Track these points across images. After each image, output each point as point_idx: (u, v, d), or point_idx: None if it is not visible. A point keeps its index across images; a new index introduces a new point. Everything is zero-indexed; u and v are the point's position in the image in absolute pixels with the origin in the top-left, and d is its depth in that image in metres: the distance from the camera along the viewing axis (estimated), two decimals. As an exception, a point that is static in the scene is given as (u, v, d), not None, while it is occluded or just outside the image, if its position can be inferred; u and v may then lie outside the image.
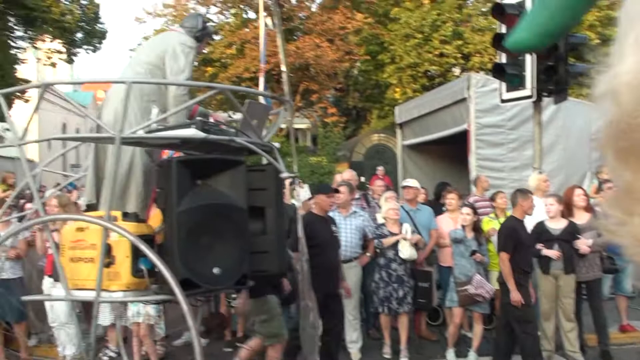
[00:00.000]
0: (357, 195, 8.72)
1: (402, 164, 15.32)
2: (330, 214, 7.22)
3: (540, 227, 7.33)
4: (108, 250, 3.93)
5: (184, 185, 3.93)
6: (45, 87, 4.25)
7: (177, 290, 3.62)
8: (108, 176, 4.39)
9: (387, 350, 7.63)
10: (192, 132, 3.98)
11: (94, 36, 27.69)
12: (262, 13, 15.07)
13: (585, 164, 11.05)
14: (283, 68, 5.96)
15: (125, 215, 4.19)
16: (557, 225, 7.25)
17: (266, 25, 14.54)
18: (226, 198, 4.05)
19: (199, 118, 4.43)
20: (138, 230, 4.01)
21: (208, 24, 5.29)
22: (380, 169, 18.40)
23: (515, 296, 6.56)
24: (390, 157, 20.86)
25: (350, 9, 27.25)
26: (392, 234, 7.50)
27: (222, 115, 5.07)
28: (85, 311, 8.17)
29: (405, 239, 7.42)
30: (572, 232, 7.21)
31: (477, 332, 7.34)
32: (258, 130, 4.45)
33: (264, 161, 4.70)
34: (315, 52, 25.45)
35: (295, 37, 27.46)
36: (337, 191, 7.35)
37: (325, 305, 6.11)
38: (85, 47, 27.83)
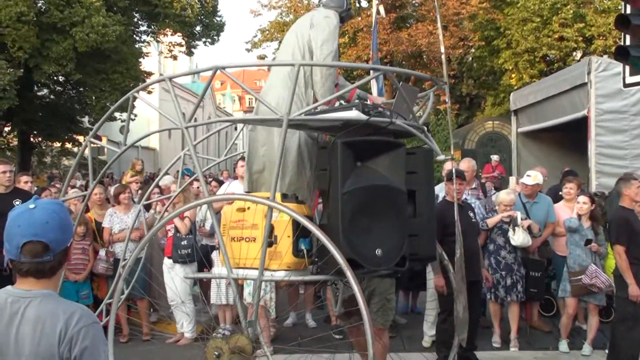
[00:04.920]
0: (473, 185, 8.56)
1: (516, 152, 14.89)
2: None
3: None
4: (270, 230, 4.03)
5: (348, 166, 3.97)
6: (217, 70, 4.26)
7: (347, 270, 3.64)
8: (274, 158, 4.43)
9: (496, 340, 7.48)
10: (354, 114, 4.02)
11: (212, 29, 28.73)
12: (375, 1, 15.02)
13: None
14: (442, 49, 5.89)
15: (285, 197, 4.27)
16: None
17: (378, 13, 14.47)
18: (387, 180, 4.07)
19: (357, 100, 4.49)
20: (299, 211, 4.10)
21: (350, 6, 5.27)
22: (494, 158, 17.98)
23: (635, 290, 6.24)
24: (504, 145, 20.33)
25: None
26: (504, 224, 7.35)
27: (380, 98, 5.08)
28: (202, 291, 8.57)
29: (509, 220, 7.25)
30: None
31: (592, 324, 7.06)
32: (412, 113, 4.47)
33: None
34: (428, 39, 25.11)
35: (408, 25, 27.22)
36: (463, 177, 7.13)
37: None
38: (204, 39, 28.91)
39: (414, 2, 27.74)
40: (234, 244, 4.28)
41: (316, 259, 4.12)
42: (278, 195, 4.15)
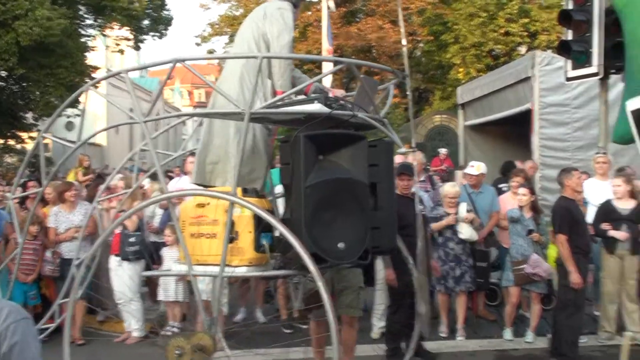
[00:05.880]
0: (422, 178, 8.68)
1: (463, 145, 15.15)
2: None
3: (607, 206, 7.21)
4: (231, 226, 4.00)
5: (311, 160, 3.96)
6: (177, 63, 4.22)
7: (311, 265, 3.65)
8: (234, 153, 4.45)
9: (443, 329, 7.62)
10: (317, 107, 4.01)
11: (160, 23, 28.29)
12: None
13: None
14: (403, 42, 5.90)
15: (245, 191, 4.26)
16: (625, 205, 7.12)
17: (328, 8, 14.51)
18: (349, 173, 4.07)
19: (315, 94, 4.47)
20: (261, 205, 4.08)
21: None
22: (442, 151, 18.22)
23: (576, 278, 6.45)
24: (451, 138, 20.61)
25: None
26: (448, 215, 7.48)
27: (340, 91, 5.07)
28: (150, 289, 8.48)
29: (456, 221, 7.40)
30: (641, 213, 7.05)
31: (534, 312, 7.26)
32: (374, 105, 4.48)
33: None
34: (378, 34, 25.28)
35: (357, 19, 27.34)
36: (411, 171, 7.17)
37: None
38: (151, 34, 28.46)
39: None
40: (193, 240, 4.25)
41: (279, 254, 4.12)
42: (239, 190, 4.14)
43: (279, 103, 4.20)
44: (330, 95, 4.48)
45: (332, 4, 15.46)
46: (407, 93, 6.17)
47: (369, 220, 4.16)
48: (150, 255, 7.63)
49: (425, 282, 5.29)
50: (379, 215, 4.31)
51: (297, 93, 4.47)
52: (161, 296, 7.87)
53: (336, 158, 4.11)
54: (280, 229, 3.80)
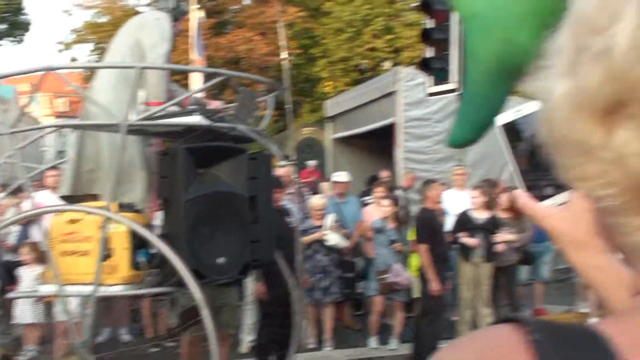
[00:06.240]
0: (291, 190, 8.75)
1: (332, 157, 15.46)
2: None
3: (464, 216, 7.59)
4: (106, 243, 3.83)
5: (190, 173, 3.87)
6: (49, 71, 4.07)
7: (191, 281, 3.55)
8: (110, 166, 4.25)
9: (311, 340, 7.72)
10: (197, 120, 3.92)
11: (18, 28, 26.83)
12: (194, 5, 14.83)
13: (504, 156, 11.37)
14: (284, 55, 5.89)
15: (121, 206, 4.08)
16: (481, 215, 7.53)
17: (199, 18, 14.35)
18: (229, 186, 4.02)
19: (192, 106, 4.35)
20: (137, 220, 3.93)
21: (182, 3, 5.12)
22: (311, 164, 18.47)
23: (436, 286, 6.76)
24: (320, 150, 20.98)
25: (282, 2, 27.20)
26: (317, 227, 7.61)
27: (218, 103, 4.96)
28: (5, 311, 7.95)
29: (324, 234, 7.56)
30: (495, 223, 7.48)
31: (398, 319, 7.53)
32: (254, 118, 4.44)
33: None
34: (247, 46, 25.30)
35: (226, 31, 27.23)
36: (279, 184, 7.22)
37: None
38: (8, 38, 26.94)
39: (233, 8, 27.82)
40: (63, 258, 4.03)
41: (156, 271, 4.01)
42: (114, 205, 3.99)
43: (157, 115, 4.11)
44: (209, 107, 4.46)
45: (202, 15, 15.33)
46: (287, 106, 6.24)
47: (249, 234, 4.16)
48: (3, 275, 7.16)
49: (302, 292, 5.36)
50: (259, 228, 4.32)
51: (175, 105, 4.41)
52: (17, 319, 7.41)
53: (216, 171, 4.09)
54: (158, 245, 3.69)
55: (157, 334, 7.94)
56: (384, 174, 10.29)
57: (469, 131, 1.21)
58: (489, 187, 7.93)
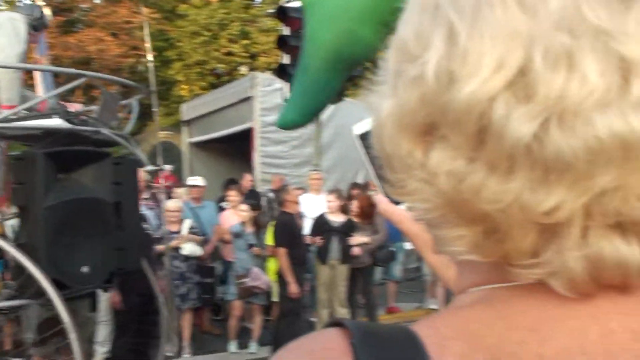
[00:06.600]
0: (146, 196, 8.52)
1: (188, 162, 15.24)
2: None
3: (321, 219, 7.76)
4: None
5: (50, 179, 3.63)
6: None
7: (51, 291, 3.34)
8: None
9: (169, 348, 7.56)
10: (57, 123, 3.67)
11: None
12: (39, 2, 14.05)
13: (359, 161, 11.78)
14: (149, 57, 5.66)
15: None
16: (337, 218, 7.72)
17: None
18: (92, 192, 3.81)
19: (51, 109, 4.09)
20: None
21: (46, 15, 4.85)
22: (167, 168, 18.10)
23: (294, 288, 6.87)
24: (176, 155, 20.61)
25: (136, 3, 26.44)
26: (173, 233, 7.48)
27: (77, 105, 4.67)
28: None
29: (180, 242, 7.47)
30: (351, 226, 7.72)
31: (257, 323, 7.57)
32: (117, 121, 4.23)
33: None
34: (98, 46, 24.36)
35: (75, 29, 26.05)
36: None
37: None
38: None
39: (83, 6, 26.67)
40: None
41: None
42: None
43: (10, 118, 3.87)
44: (70, 109, 4.27)
45: (49, 12, 14.58)
46: (154, 110, 6.11)
47: (114, 241, 4.03)
48: None
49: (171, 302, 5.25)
50: (124, 235, 4.18)
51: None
52: None
53: (78, 176, 3.92)
54: (15, 254, 3.48)
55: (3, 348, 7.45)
56: (247, 178, 10.30)
57: (299, 115, 1.26)
58: (345, 192, 8.21)
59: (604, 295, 0.50)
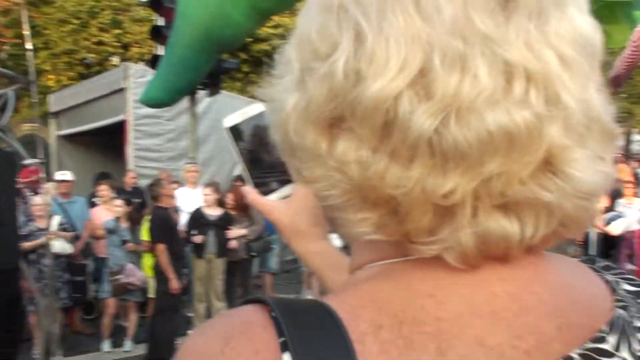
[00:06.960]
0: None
1: (56, 155, 14.55)
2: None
3: (197, 213, 7.70)
4: None
5: None
6: None
7: None
8: None
9: (37, 350, 7.24)
10: None
11: None
12: None
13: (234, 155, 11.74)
14: (28, 46, 5.28)
15: None
16: (213, 212, 7.69)
17: None
18: None
19: None
20: None
21: None
22: (33, 162, 17.20)
23: (175, 284, 6.78)
24: (44, 148, 19.64)
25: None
26: (41, 230, 7.15)
27: None
28: None
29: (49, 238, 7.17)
30: (228, 219, 7.70)
31: (132, 320, 7.41)
32: None
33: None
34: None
35: None
36: None
37: None
38: None
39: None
40: None
41: None
42: None
43: None
44: None
45: None
46: (34, 101, 5.79)
47: None
48: None
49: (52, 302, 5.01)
50: (1, 231, 3.94)
51: None
52: None
53: None
54: None
55: None
56: (130, 175, 10.00)
57: (163, 92, 1.27)
58: (224, 185, 8.19)
59: (488, 266, 0.57)
